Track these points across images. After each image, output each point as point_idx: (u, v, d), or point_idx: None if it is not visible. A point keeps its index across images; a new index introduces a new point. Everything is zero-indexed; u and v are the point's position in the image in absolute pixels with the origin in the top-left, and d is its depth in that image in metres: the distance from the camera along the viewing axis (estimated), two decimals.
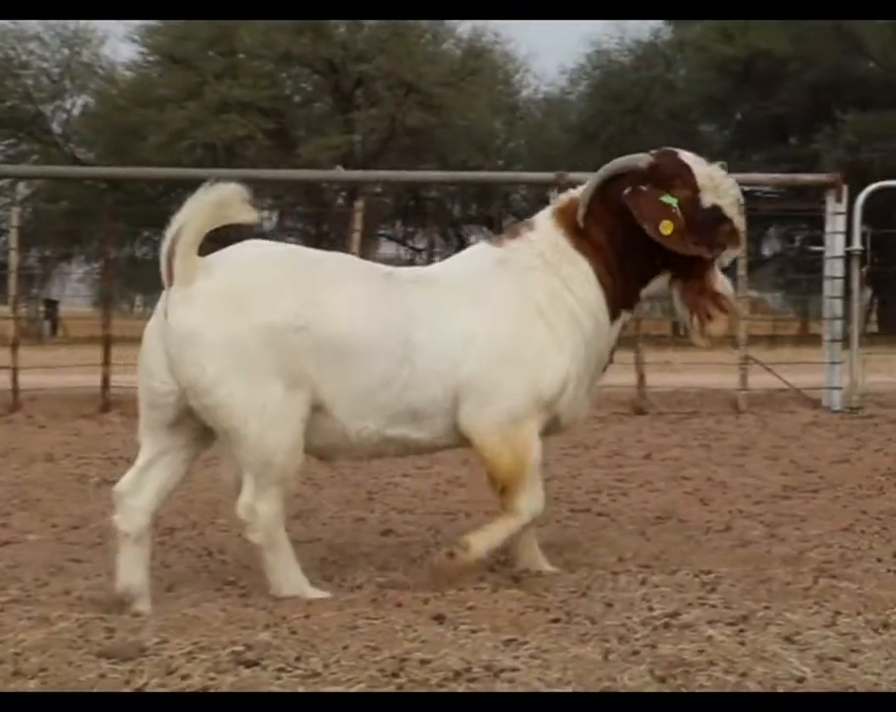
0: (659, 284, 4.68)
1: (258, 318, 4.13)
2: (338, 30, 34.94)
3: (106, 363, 11.51)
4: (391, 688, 3.25)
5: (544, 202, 4.93)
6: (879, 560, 4.93)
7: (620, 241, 4.58)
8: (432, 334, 4.36)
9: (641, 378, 11.48)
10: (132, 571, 4.18)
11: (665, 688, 3.26)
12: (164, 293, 4.29)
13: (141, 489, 4.26)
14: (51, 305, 35.90)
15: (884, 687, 3.26)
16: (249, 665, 3.42)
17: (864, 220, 11.87)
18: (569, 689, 3.24)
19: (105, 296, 13.35)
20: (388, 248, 41.73)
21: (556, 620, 3.94)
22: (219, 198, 4.20)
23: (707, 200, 4.51)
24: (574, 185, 4.90)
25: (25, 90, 37.62)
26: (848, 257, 11.85)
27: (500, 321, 4.44)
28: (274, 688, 3.25)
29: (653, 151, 4.66)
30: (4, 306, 16.98)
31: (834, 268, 11.91)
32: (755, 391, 11.99)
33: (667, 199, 4.49)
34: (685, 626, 3.85)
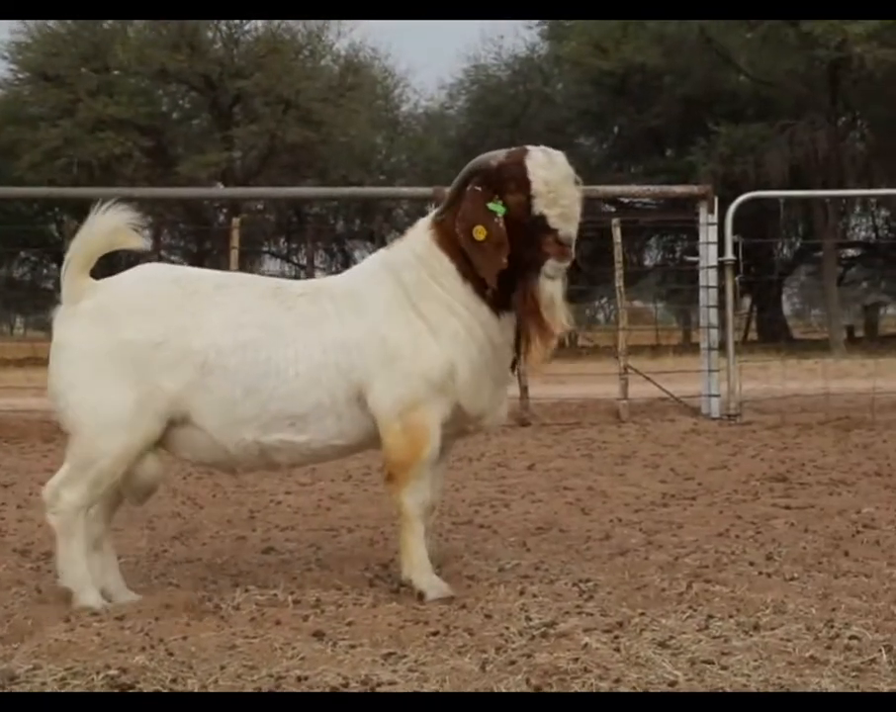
0: None
1: (119, 335, 4.48)
2: (215, 46, 34.68)
3: None
4: None
5: (425, 216, 4.97)
6: (752, 563, 5.04)
7: None
8: (310, 346, 4.55)
9: (524, 389, 11.56)
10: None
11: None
12: None
13: None
14: None
15: (753, 688, 3.33)
16: (125, 689, 3.38)
17: (737, 230, 12.10)
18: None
19: None
20: (272, 265, 41.51)
21: (435, 633, 3.97)
22: (109, 225, 4.58)
23: (537, 207, 4.45)
24: None
25: None
26: (721, 267, 12.07)
27: (377, 325, 4.59)
28: None
29: (511, 149, 4.67)
30: None
31: (709, 277, 12.14)
32: (636, 400, 12.17)
33: (493, 205, 4.49)
34: (562, 635, 3.90)
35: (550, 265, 4.47)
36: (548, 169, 4.48)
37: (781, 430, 10.58)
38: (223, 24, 33.81)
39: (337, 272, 6.65)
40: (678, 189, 14.16)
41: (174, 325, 4.48)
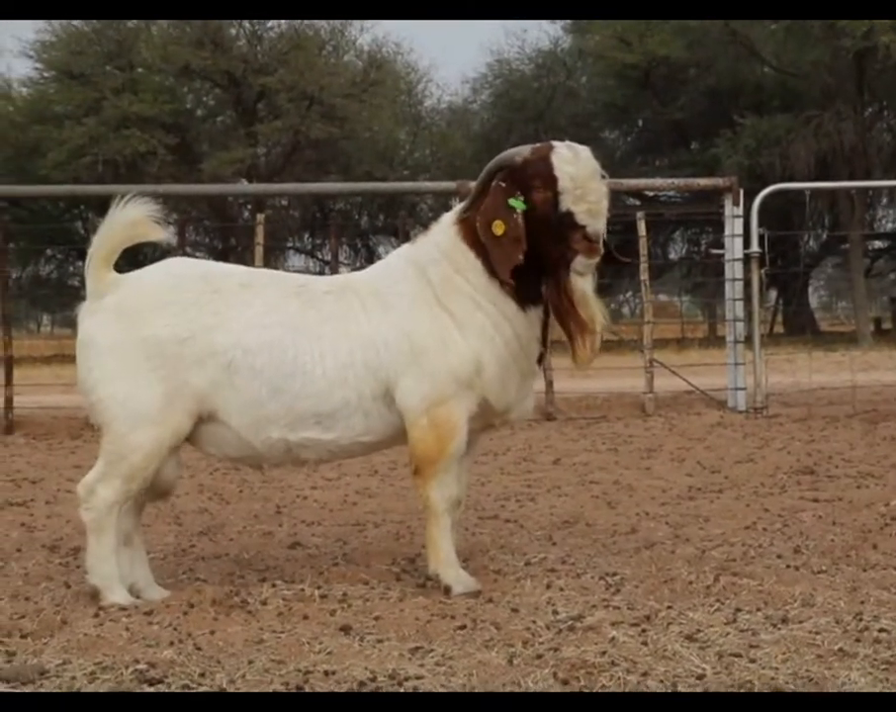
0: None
1: (144, 330, 4.48)
2: (238, 43, 34.72)
3: (8, 384, 11.36)
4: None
5: (449, 211, 4.96)
6: (779, 556, 5.02)
7: None
8: (337, 344, 4.55)
9: (549, 383, 11.55)
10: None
11: (567, 690, 3.29)
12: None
13: None
14: None
15: (781, 681, 3.32)
16: (153, 683, 3.40)
17: (763, 222, 12.05)
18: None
19: (4, 316, 13.08)
20: (296, 260, 41.53)
21: (462, 627, 3.97)
22: (130, 218, 4.58)
23: (564, 204, 4.42)
24: None
25: None
26: (747, 259, 12.02)
27: (403, 322, 4.58)
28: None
29: (536, 144, 4.62)
30: None
31: (734, 270, 12.10)
32: (662, 394, 12.14)
33: (514, 202, 4.48)
34: (589, 628, 3.90)
35: (579, 262, 4.43)
36: (574, 165, 4.44)
37: (808, 423, 10.54)
38: (246, 21, 33.84)
39: (361, 267, 6.66)
40: (703, 181, 14.07)
41: (200, 322, 4.49)
